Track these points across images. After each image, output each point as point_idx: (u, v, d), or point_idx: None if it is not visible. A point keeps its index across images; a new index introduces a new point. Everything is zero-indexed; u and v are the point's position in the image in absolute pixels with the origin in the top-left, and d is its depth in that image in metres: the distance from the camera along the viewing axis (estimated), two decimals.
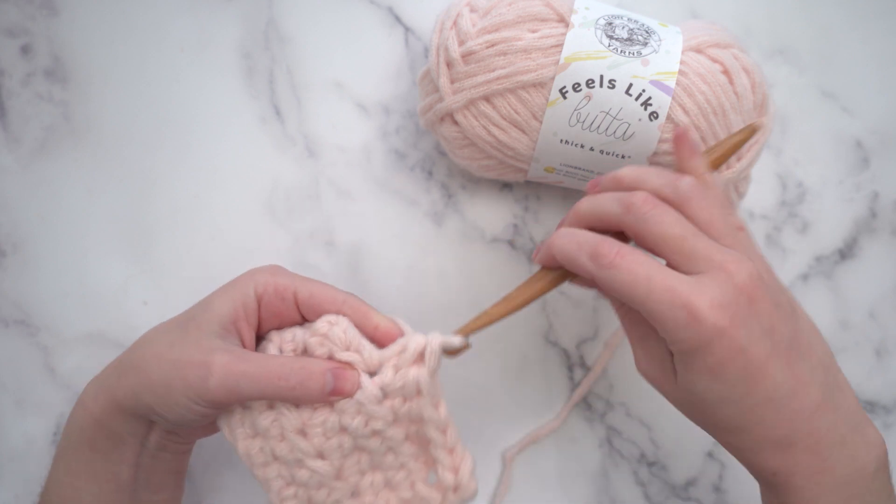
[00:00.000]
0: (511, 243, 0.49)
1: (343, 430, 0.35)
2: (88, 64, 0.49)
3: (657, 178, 0.34)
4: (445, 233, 0.49)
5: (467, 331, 0.36)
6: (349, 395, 0.34)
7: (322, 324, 0.35)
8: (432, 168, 0.49)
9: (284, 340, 0.36)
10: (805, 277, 0.50)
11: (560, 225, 0.37)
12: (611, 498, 0.49)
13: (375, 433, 0.35)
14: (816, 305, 0.49)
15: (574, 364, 0.49)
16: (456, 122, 0.42)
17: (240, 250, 0.48)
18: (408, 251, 0.49)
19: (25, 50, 0.49)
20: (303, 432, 0.35)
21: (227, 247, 0.48)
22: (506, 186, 0.49)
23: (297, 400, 0.35)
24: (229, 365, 0.34)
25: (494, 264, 0.49)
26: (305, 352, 0.36)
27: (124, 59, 0.49)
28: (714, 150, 0.37)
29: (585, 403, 0.49)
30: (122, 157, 0.49)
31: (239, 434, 0.36)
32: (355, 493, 0.37)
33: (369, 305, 0.37)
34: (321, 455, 0.35)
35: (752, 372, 0.31)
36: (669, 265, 0.32)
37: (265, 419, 0.35)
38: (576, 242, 0.33)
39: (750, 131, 0.38)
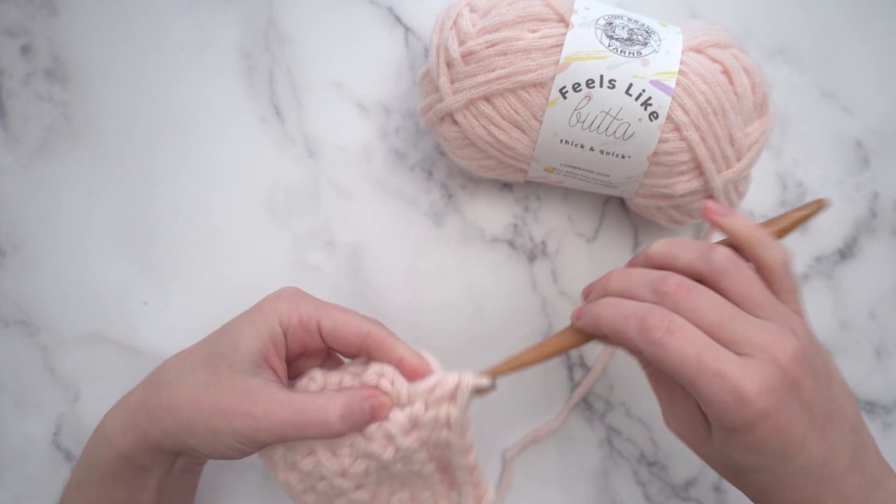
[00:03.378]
0: (511, 243, 0.49)
1: (371, 456, 0.36)
2: (88, 64, 0.49)
3: (688, 251, 0.34)
4: (445, 233, 0.49)
5: (496, 372, 0.37)
6: (380, 419, 0.36)
7: (371, 375, 0.36)
8: (432, 168, 0.49)
9: (330, 383, 0.37)
10: (805, 277, 0.50)
11: (587, 291, 0.37)
12: (611, 498, 0.49)
13: (403, 458, 0.37)
14: (816, 305, 0.49)
15: (574, 364, 0.49)
16: (456, 122, 0.42)
17: (240, 250, 0.49)
18: (408, 251, 0.49)
19: (25, 50, 0.49)
20: (342, 473, 0.37)
21: (227, 247, 0.48)
22: (506, 186, 0.49)
23: (338, 435, 0.36)
24: (275, 415, 0.34)
25: (494, 264, 0.49)
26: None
27: (124, 59, 0.49)
28: (775, 222, 0.37)
29: (585, 403, 0.49)
30: (122, 157, 0.49)
31: (281, 467, 0.37)
32: None
33: (393, 336, 0.37)
34: (359, 486, 0.37)
35: (790, 448, 0.32)
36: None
37: (307, 464, 0.37)
38: (623, 315, 0.33)
39: (817, 207, 0.38)
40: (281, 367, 0.37)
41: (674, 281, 0.33)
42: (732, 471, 0.34)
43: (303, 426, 0.34)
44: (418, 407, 0.35)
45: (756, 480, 0.34)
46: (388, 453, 0.36)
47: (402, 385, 0.36)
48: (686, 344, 0.31)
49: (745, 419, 0.31)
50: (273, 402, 0.34)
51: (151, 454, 0.37)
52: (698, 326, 0.32)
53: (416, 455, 0.37)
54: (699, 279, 0.34)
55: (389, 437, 0.36)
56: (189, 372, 0.36)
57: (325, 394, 0.35)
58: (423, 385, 0.35)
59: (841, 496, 0.33)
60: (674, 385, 0.36)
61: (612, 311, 0.34)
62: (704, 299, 0.32)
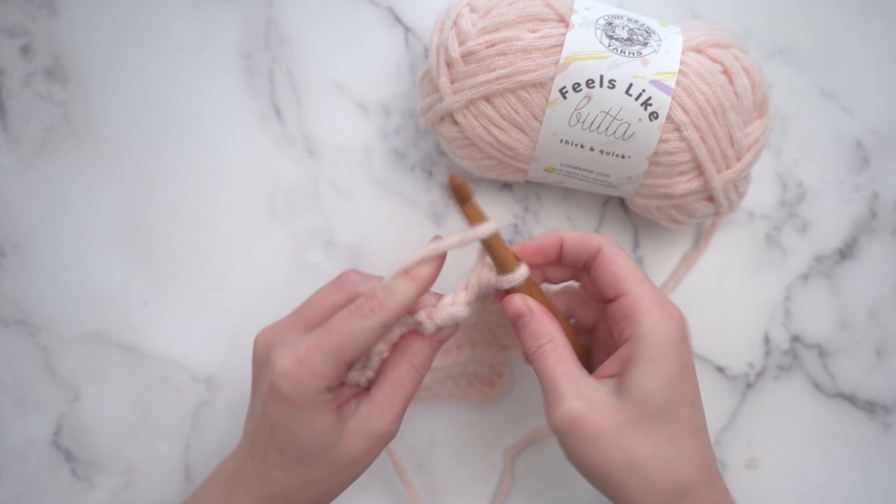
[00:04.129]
0: (511, 243, 0.49)
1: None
2: (88, 64, 0.49)
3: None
4: (445, 233, 0.49)
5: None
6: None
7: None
8: (432, 168, 0.49)
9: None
10: (805, 277, 0.50)
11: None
12: None
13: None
14: (816, 305, 0.49)
15: None
16: (456, 122, 0.42)
17: (240, 250, 0.49)
18: (408, 251, 0.49)
19: (25, 50, 0.49)
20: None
21: (227, 247, 0.48)
22: (506, 186, 0.49)
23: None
24: (383, 403, 0.37)
25: None
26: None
27: (124, 59, 0.49)
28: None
29: None
30: (122, 157, 0.49)
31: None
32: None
33: (368, 276, 0.39)
34: (458, 345, 0.45)
35: (696, 388, 0.36)
36: None
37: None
38: (584, 232, 0.38)
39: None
40: (344, 392, 0.38)
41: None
42: (645, 427, 0.34)
43: (400, 396, 0.37)
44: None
45: (668, 433, 0.34)
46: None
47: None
48: (630, 260, 0.37)
49: (677, 332, 0.35)
50: (372, 413, 0.37)
51: None
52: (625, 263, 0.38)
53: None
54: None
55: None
56: (307, 475, 0.37)
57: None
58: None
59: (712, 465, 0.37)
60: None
61: (574, 232, 0.38)
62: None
